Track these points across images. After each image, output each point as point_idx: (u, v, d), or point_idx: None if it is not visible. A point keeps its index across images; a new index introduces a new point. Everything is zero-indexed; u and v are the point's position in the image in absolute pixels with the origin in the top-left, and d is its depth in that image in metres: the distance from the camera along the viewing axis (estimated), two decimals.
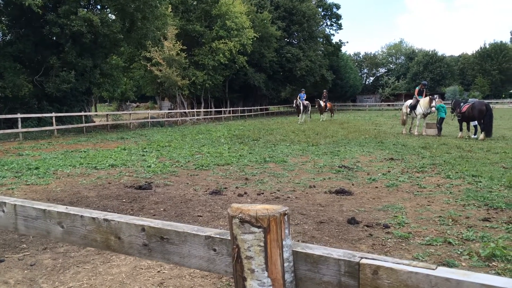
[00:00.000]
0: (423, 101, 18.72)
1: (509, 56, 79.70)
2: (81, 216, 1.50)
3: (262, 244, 1.07)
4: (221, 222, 5.86)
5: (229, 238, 1.18)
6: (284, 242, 1.09)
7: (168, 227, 1.30)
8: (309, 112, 32.99)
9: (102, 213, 1.53)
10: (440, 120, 18.65)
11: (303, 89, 35.20)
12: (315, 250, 1.10)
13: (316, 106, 34.68)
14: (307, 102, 32.25)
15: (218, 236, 1.23)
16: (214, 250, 1.22)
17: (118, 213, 6.21)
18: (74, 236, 1.52)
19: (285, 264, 1.09)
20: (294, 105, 31.86)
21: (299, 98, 31.53)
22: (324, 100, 34.21)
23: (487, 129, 15.94)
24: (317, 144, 15.21)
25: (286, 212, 1.11)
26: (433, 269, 0.96)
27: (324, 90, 38.61)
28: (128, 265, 4.38)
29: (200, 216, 6.18)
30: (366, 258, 1.04)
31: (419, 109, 18.74)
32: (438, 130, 18.58)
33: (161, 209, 6.56)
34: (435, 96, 18.87)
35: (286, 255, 1.09)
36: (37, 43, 23.10)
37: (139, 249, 1.39)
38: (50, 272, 4.24)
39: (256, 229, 1.07)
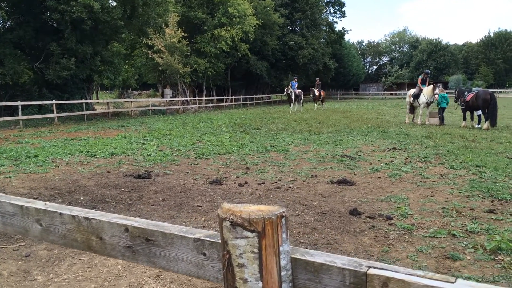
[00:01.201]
0: (427, 89, 18.51)
1: None
2: (60, 214, 1.37)
3: (256, 250, 0.94)
4: None
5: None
6: (281, 248, 0.96)
7: (153, 228, 1.18)
8: (301, 101, 31.16)
9: (84, 210, 1.40)
10: (441, 110, 18.47)
11: (295, 76, 33.62)
12: (316, 257, 0.98)
13: (311, 95, 33.41)
14: (299, 90, 30.67)
15: (208, 239, 1.10)
16: (204, 254, 1.10)
17: (115, 202, 6.13)
18: (53, 235, 1.40)
19: (282, 273, 0.96)
20: (285, 93, 30.27)
21: (291, 87, 29.97)
22: (317, 88, 32.78)
23: (492, 118, 15.75)
24: (319, 133, 15.07)
25: (284, 214, 0.98)
26: (452, 283, 0.84)
27: (317, 78, 36.73)
28: None
29: (200, 206, 6.08)
30: (374, 267, 0.91)
31: (423, 98, 18.54)
32: (440, 119, 18.41)
33: (160, 198, 6.46)
34: (438, 84, 18.65)
35: (283, 262, 0.97)
36: (37, 30, 22.87)
37: (122, 251, 1.26)
38: (45, 263, 4.15)
39: (249, 234, 0.94)
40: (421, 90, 18.72)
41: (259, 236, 0.94)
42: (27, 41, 22.84)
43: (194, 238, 1.11)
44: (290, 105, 29.97)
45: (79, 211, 1.38)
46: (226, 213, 0.99)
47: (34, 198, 6.31)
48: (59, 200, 6.29)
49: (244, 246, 0.95)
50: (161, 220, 5.41)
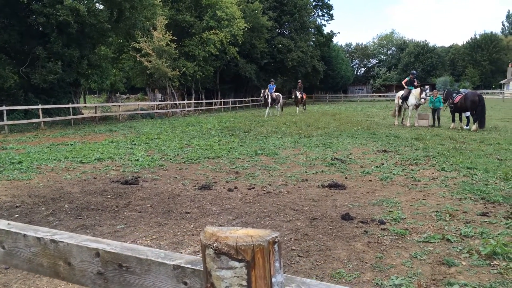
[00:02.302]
0: (416, 91, 18.53)
1: (500, 47, 79.98)
2: (24, 236, 1.22)
3: (244, 283, 0.80)
4: (210, 219, 5.61)
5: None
6: (273, 280, 0.83)
7: (128, 252, 1.03)
8: (280, 105, 29.20)
9: (51, 231, 1.26)
10: (437, 111, 18.51)
11: (272, 79, 31.53)
12: None
13: (292, 97, 31.85)
14: (277, 94, 28.77)
15: (189, 266, 0.96)
16: (185, 283, 0.95)
17: (101, 210, 5.94)
18: (17, 259, 1.25)
19: None
20: (261, 96, 27.69)
21: (268, 90, 27.64)
22: (299, 91, 31.14)
23: (480, 120, 15.80)
24: (309, 136, 14.97)
25: (276, 240, 0.84)
26: None
27: (299, 80, 34.83)
28: None
29: (188, 212, 5.93)
30: None
31: (412, 100, 18.54)
32: (437, 120, 18.49)
33: (148, 205, 6.29)
34: (426, 87, 18.63)
35: None
36: (23, 33, 22.49)
37: (93, 278, 1.11)
38: (25, 276, 3.96)
39: (236, 263, 0.80)
40: (409, 92, 18.70)
41: (248, 266, 0.80)
42: (12, 44, 22.44)
43: (174, 265, 0.97)
44: (266, 109, 27.73)
45: (45, 233, 1.23)
46: (209, 238, 0.85)
47: (16, 207, 6.12)
48: (43, 208, 6.09)
49: (230, 278, 0.81)
50: (148, 228, 5.25)
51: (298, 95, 30.56)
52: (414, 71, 20.11)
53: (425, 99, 18.12)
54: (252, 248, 0.80)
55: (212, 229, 0.85)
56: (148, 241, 4.80)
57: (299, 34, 54.61)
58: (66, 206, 6.23)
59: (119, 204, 6.31)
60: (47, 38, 22.41)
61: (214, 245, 0.81)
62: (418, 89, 18.39)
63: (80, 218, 5.65)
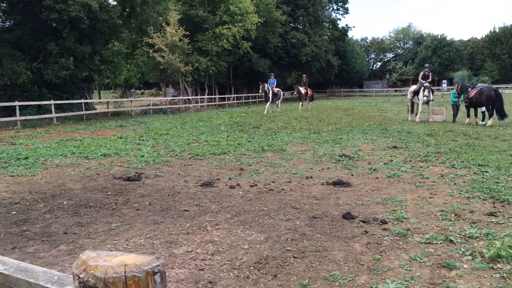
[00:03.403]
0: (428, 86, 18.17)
1: None
2: None
3: None
4: (208, 218, 5.50)
5: None
6: None
7: (19, 275, 0.89)
8: (280, 101, 27.89)
9: None
10: (455, 107, 18.16)
11: (272, 73, 29.50)
12: None
13: (295, 93, 30.29)
14: (277, 89, 27.31)
15: None
16: None
17: (99, 207, 5.88)
18: None
19: None
20: (260, 91, 25.81)
21: (268, 84, 26.16)
22: (304, 86, 29.53)
23: (501, 113, 15.41)
24: (319, 132, 14.77)
25: (158, 270, 0.70)
26: None
27: (304, 75, 33.07)
28: None
29: (187, 210, 5.83)
30: None
31: (421, 95, 18.12)
32: (453, 116, 18.15)
33: (147, 202, 6.21)
34: (427, 84, 18.03)
35: None
36: (36, 29, 22.68)
37: None
38: None
39: None
40: (421, 86, 18.27)
41: None
42: (25, 41, 22.67)
43: None
44: (266, 105, 26.32)
45: None
46: (79, 267, 0.71)
47: (15, 203, 6.12)
48: (41, 205, 6.06)
49: None
50: (143, 226, 5.18)
51: (302, 90, 28.88)
52: (427, 65, 19.64)
53: (427, 96, 17.72)
54: (124, 281, 0.66)
55: (87, 255, 0.72)
56: (142, 240, 4.72)
57: (314, 29, 54.13)
58: (65, 203, 6.20)
59: (118, 201, 6.25)
60: (59, 34, 22.56)
61: (81, 276, 0.68)
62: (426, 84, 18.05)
63: (77, 216, 5.60)
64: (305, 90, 29.19)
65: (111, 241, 4.70)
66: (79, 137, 14.14)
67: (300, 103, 29.67)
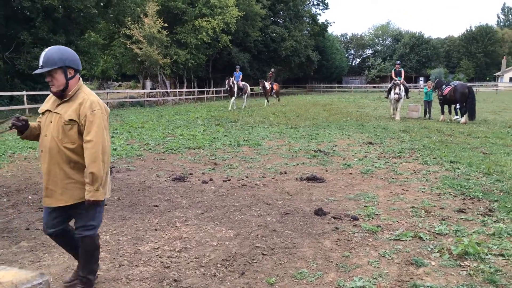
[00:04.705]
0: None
1: (495, 39, 79.81)
2: None
3: None
4: (178, 213, 5.39)
5: None
6: None
7: None
8: (246, 96, 26.23)
9: None
10: (428, 103, 18.24)
11: (238, 66, 27.10)
12: None
13: (260, 88, 28.72)
14: (244, 83, 25.62)
15: None
16: None
17: None
18: None
19: None
20: (226, 85, 24.18)
21: (234, 78, 24.48)
22: (270, 81, 27.87)
23: (471, 112, 15.60)
24: (296, 127, 14.74)
25: None
26: None
27: (272, 70, 30.98)
28: (60, 265, 3.89)
29: (156, 206, 5.71)
30: None
31: (392, 93, 17.77)
32: (428, 113, 18.17)
33: (116, 197, 6.06)
34: (397, 82, 17.65)
35: None
36: (8, 18, 21.94)
37: None
38: None
39: None
40: (393, 84, 17.89)
41: None
42: None
43: None
44: (231, 100, 24.64)
45: None
46: None
47: None
48: (4, 199, 5.85)
49: None
50: (110, 222, 5.04)
51: (267, 85, 27.20)
52: (399, 61, 19.51)
53: (398, 94, 17.20)
54: None
55: None
56: (108, 237, 4.58)
57: (293, 23, 54.07)
58: (30, 197, 5.99)
59: None
60: (32, 23, 21.91)
61: None
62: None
63: (41, 211, 5.39)
64: (271, 85, 27.62)
65: None
66: None
67: (266, 99, 28.27)
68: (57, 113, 3.10)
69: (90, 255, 3.28)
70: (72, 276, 3.45)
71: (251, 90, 48.82)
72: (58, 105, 3.14)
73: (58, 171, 3.06)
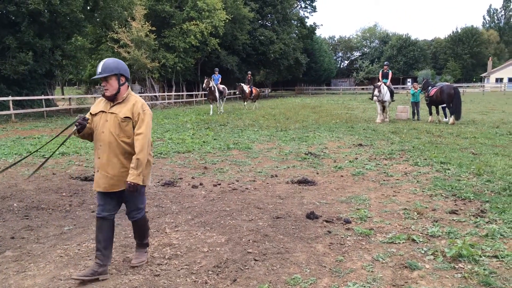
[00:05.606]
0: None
1: (480, 41, 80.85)
2: None
3: None
4: (167, 219, 5.29)
5: None
6: None
7: None
8: (224, 99, 25.61)
9: None
10: (416, 105, 18.33)
11: (216, 68, 25.50)
12: None
13: (238, 92, 27.83)
14: (223, 86, 24.75)
15: None
16: None
17: (52, 209, 5.56)
18: None
19: None
20: (205, 87, 22.69)
21: (213, 80, 22.99)
22: (248, 84, 26.58)
23: (456, 112, 15.70)
24: (286, 130, 14.70)
25: None
26: None
27: (249, 72, 28.74)
28: (45, 275, 3.77)
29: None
30: None
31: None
32: (416, 114, 18.21)
33: None
34: (379, 84, 17.40)
35: None
36: None
37: None
38: None
39: None
40: (373, 86, 17.47)
41: None
42: None
43: None
44: (211, 104, 23.60)
45: None
46: None
47: None
48: None
49: None
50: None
51: (246, 89, 25.94)
52: (387, 62, 19.39)
53: (377, 96, 16.65)
54: None
55: None
56: (94, 244, 4.45)
57: (282, 26, 54.19)
58: (15, 205, 5.84)
59: (72, 203, 5.94)
60: (18, 28, 21.59)
61: None
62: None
63: (27, 219, 5.28)
64: (250, 89, 26.37)
65: (61, 245, 4.44)
66: (37, 135, 13.57)
67: (244, 103, 27.41)
68: (112, 113, 3.63)
69: (144, 229, 4.02)
70: (136, 255, 4.03)
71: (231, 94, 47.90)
72: (112, 106, 3.67)
73: (116, 161, 3.63)
